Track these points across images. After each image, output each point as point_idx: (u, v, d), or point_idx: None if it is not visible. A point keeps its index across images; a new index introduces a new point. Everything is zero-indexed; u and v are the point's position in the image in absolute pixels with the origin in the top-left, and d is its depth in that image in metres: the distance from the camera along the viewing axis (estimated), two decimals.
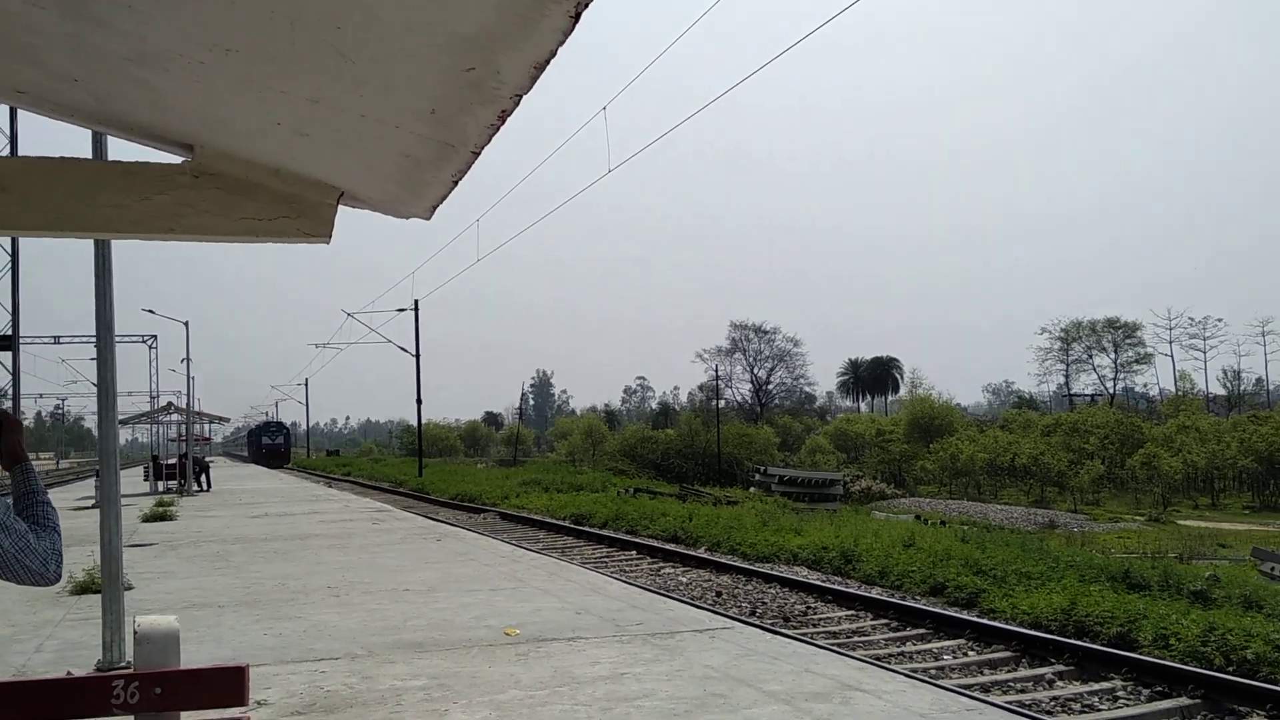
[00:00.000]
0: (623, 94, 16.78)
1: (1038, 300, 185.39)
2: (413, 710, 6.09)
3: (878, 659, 8.67)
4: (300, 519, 21.30)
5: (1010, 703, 7.01)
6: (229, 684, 2.82)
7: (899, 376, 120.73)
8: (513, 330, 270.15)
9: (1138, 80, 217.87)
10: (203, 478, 35.09)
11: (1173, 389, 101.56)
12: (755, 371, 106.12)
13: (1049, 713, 7.37)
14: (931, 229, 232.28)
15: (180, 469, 34.07)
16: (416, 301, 47.12)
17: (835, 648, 8.61)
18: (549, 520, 24.53)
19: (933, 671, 8.55)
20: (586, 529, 22.06)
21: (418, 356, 47.67)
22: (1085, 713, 7.59)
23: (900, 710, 5.96)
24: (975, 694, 6.61)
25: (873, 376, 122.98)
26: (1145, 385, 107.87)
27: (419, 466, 50.21)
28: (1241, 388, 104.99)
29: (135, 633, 2.85)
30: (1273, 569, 20.28)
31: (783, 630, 9.74)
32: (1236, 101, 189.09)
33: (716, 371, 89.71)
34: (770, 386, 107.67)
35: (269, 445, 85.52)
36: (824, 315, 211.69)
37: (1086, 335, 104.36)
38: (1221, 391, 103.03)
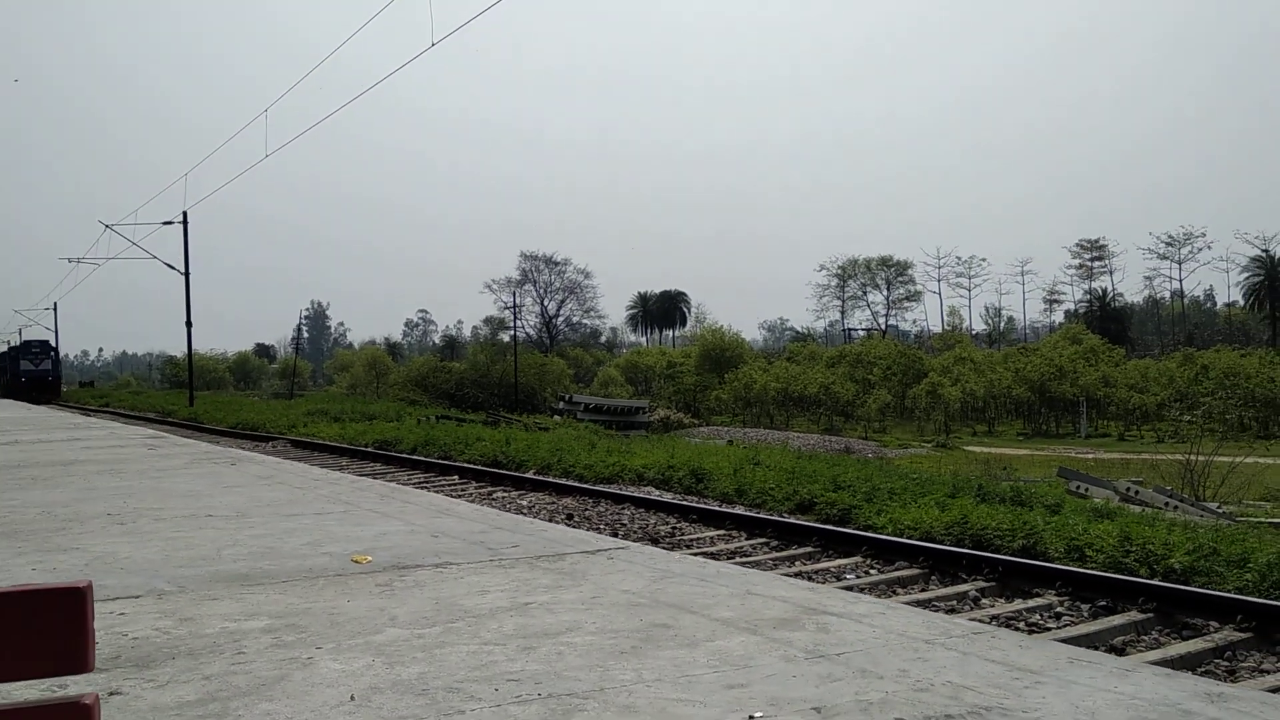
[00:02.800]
0: None
1: (814, 240, 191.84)
2: (263, 659, 4.44)
3: (805, 576, 7.58)
4: (60, 445, 18.45)
5: (987, 619, 6.02)
6: (52, 626, 1.24)
7: (686, 310, 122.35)
8: (287, 256, 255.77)
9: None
10: None
11: (939, 325, 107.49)
12: (545, 304, 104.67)
13: (1036, 628, 6.46)
14: (715, 157, 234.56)
15: None
16: (185, 213, 42.88)
17: (762, 566, 7.45)
18: (350, 447, 22.44)
19: (863, 590, 7.52)
20: (395, 454, 20.21)
21: (187, 275, 43.55)
22: (1040, 633, 6.73)
23: (895, 636, 4.80)
24: (965, 615, 5.56)
25: (661, 310, 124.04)
26: (914, 322, 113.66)
27: (190, 395, 46.21)
28: (1001, 325, 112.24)
29: None
30: (1079, 488, 20.80)
31: (686, 549, 8.51)
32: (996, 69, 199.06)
33: (515, 298, 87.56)
34: (559, 320, 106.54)
35: (30, 373, 64.99)
36: (613, 253, 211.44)
37: (861, 273, 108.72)
38: (984, 328, 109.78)
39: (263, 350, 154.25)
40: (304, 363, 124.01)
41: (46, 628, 1.27)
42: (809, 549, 9.73)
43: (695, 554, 7.98)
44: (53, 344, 68.67)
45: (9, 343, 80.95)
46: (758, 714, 3.68)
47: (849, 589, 7.21)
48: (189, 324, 44.38)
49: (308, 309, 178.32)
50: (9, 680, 1.29)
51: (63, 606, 1.28)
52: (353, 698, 3.90)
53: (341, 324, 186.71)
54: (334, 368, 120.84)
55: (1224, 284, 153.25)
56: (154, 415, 43.18)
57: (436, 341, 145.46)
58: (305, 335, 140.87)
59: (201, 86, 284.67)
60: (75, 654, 1.28)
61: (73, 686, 3.73)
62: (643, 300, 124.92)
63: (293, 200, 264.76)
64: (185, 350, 50.04)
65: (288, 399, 61.14)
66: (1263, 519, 15.40)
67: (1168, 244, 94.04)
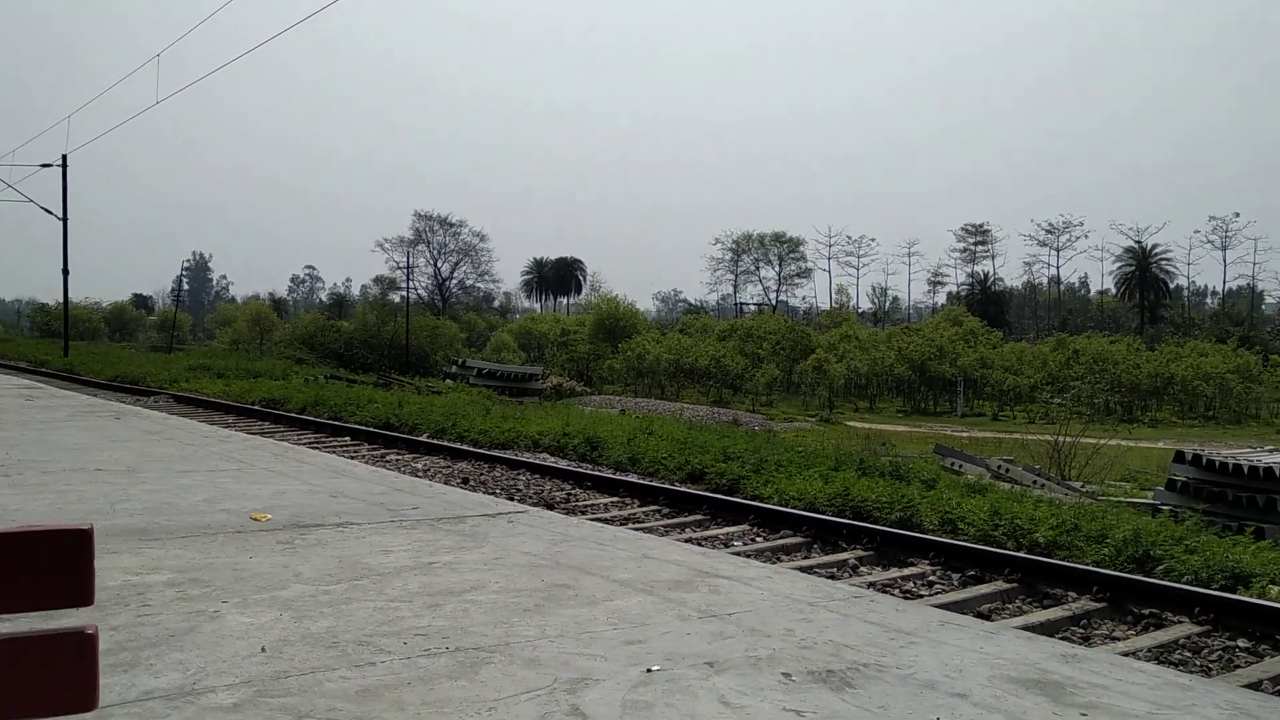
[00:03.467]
0: None
1: (711, 214, 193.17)
2: (170, 612, 4.51)
3: (696, 543, 7.86)
4: None
5: (866, 585, 6.39)
6: (60, 563, 1.38)
7: (582, 278, 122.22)
8: (167, 205, 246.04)
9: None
10: None
11: (827, 303, 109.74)
12: (438, 265, 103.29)
13: (910, 595, 6.86)
14: (620, 126, 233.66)
15: None
16: (65, 156, 41.14)
17: (655, 532, 7.71)
18: (236, 405, 22.02)
19: (750, 556, 7.85)
20: (284, 413, 19.93)
21: (65, 220, 41.81)
22: (914, 599, 7.15)
23: (782, 599, 5.10)
24: (845, 581, 5.91)
25: (557, 277, 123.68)
26: (804, 298, 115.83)
27: (65, 345, 44.48)
28: (886, 304, 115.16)
29: None
30: (953, 464, 21.70)
31: (581, 515, 8.72)
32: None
33: (409, 258, 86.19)
34: (453, 282, 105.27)
35: None
36: (508, 219, 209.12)
37: (755, 248, 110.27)
38: (870, 307, 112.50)
39: (140, 301, 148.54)
40: (184, 316, 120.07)
41: (56, 564, 1.39)
42: (699, 516, 10.05)
43: (592, 519, 8.21)
44: None
45: None
46: (655, 667, 3.92)
47: (738, 555, 7.53)
48: (65, 271, 42.66)
49: (189, 260, 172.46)
50: (28, 610, 1.42)
51: (73, 544, 1.41)
52: (264, 649, 4.01)
53: (224, 277, 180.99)
54: (216, 322, 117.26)
55: (1098, 272, 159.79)
56: (25, 365, 41.43)
57: (324, 299, 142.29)
58: (186, 287, 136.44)
59: (92, 25, 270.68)
60: (82, 589, 1.41)
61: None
62: (538, 266, 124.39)
63: (178, 157, 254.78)
64: (57, 299, 48.18)
65: (167, 353, 59.25)
66: (1121, 498, 16.36)
67: (1048, 231, 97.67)
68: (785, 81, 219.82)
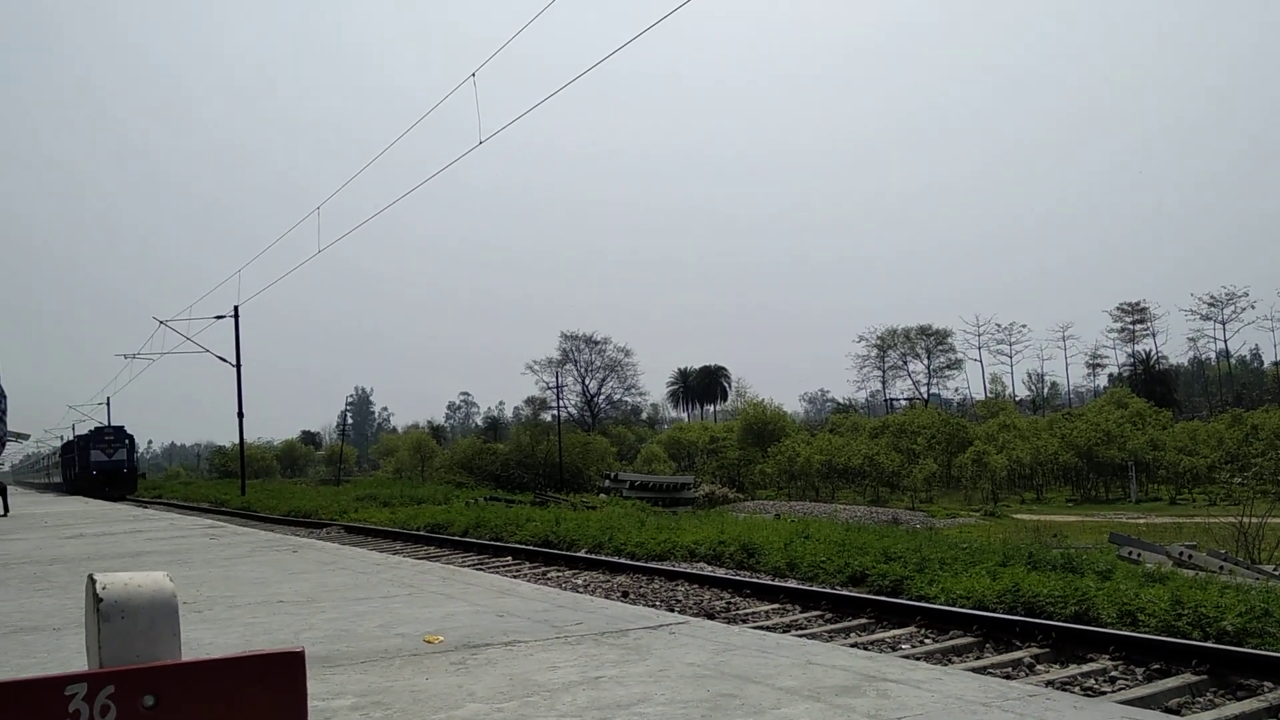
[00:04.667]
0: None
1: (853, 309, 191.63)
2: None
3: (861, 647, 7.75)
4: (123, 538, 18.94)
5: (1043, 683, 6.18)
6: (274, 682, 1.56)
7: (727, 385, 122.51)
8: (331, 347, 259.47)
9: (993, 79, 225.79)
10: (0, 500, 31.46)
11: (981, 393, 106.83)
12: (586, 382, 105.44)
13: (1092, 692, 6.60)
14: (749, 228, 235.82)
15: None
16: (236, 308, 44.12)
17: (819, 638, 7.65)
18: (403, 531, 22.80)
19: (919, 658, 7.68)
20: (448, 537, 20.52)
21: (239, 366, 44.65)
22: (1095, 696, 6.85)
23: (954, 700, 5.00)
24: (1020, 680, 5.74)
25: (702, 385, 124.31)
26: (956, 390, 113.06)
27: (242, 484, 46.98)
28: (1044, 390, 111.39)
29: (99, 600, 1.55)
30: (1131, 553, 20.66)
31: (743, 624, 8.72)
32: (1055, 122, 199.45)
33: (557, 379, 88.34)
34: (600, 398, 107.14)
35: (103, 464, 55.78)
36: (655, 329, 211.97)
37: (901, 342, 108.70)
38: (1027, 394, 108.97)
39: (309, 438, 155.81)
40: (350, 448, 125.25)
41: (272, 683, 1.58)
42: (863, 620, 9.88)
43: (754, 628, 8.19)
44: (127, 431, 59.26)
45: (72, 430, 74.70)
46: None
47: (906, 658, 7.38)
48: (240, 414, 45.38)
49: (352, 395, 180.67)
50: None
51: (284, 665, 1.60)
52: None
53: (385, 409, 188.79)
54: (379, 452, 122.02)
55: (1270, 343, 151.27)
56: (207, 505, 43.89)
57: (479, 423, 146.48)
58: (350, 421, 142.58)
59: (251, 189, 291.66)
60: (296, 706, 1.59)
61: None
62: (683, 376, 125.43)
63: (336, 293, 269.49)
64: (233, 440, 51.23)
65: (335, 485, 61.79)
66: None
67: (1210, 305, 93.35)
68: (916, 163, 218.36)
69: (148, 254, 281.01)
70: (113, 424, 60.49)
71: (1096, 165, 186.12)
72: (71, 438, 70.09)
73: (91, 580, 1.56)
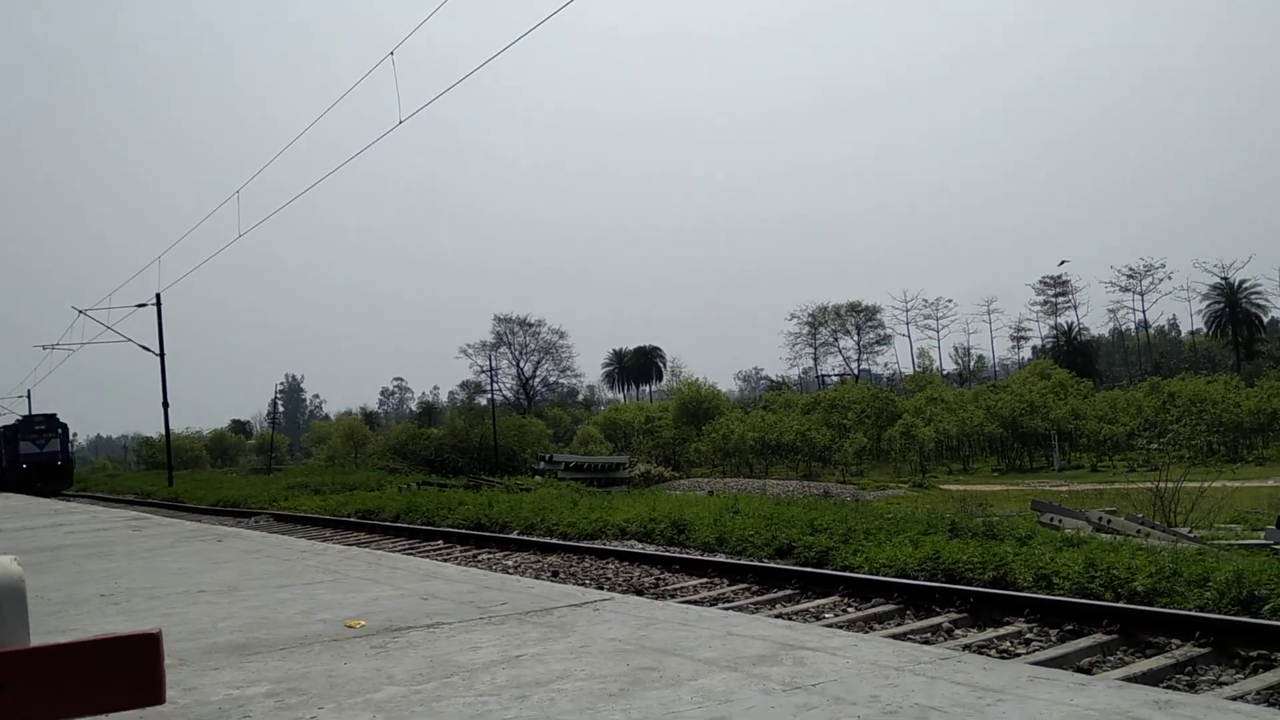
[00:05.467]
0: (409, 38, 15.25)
1: (781, 287, 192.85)
2: None
3: (785, 617, 7.84)
4: (43, 532, 18.48)
5: (958, 647, 6.31)
6: (130, 667, 1.53)
7: (661, 365, 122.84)
8: (259, 336, 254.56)
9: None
10: None
11: (909, 367, 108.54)
12: (521, 365, 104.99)
13: (1007, 654, 6.76)
14: (683, 191, 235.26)
15: None
16: (159, 295, 43.15)
17: (744, 610, 7.72)
18: (333, 518, 22.55)
19: (841, 627, 7.80)
20: (378, 523, 20.35)
21: (162, 355, 43.67)
22: (1009, 658, 7.02)
23: (867, 666, 5.09)
24: (940, 644, 5.86)
25: (637, 366, 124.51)
26: (886, 365, 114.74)
27: (169, 475, 46.06)
28: (970, 364, 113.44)
29: None
30: (1052, 519, 21.17)
31: (670, 598, 8.77)
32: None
33: (491, 361, 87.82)
34: (536, 380, 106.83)
35: (34, 456, 51.89)
36: (584, 306, 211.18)
37: (832, 319, 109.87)
38: (954, 368, 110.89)
39: (239, 426, 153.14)
40: (281, 437, 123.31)
41: (127, 667, 1.55)
42: (789, 591, 10.00)
43: (680, 602, 8.25)
44: (60, 419, 54.62)
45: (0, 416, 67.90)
46: None
47: (827, 626, 7.49)
48: (165, 404, 44.42)
49: (282, 383, 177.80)
50: (104, 713, 1.58)
51: (140, 648, 1.57)
52: None
53: (317, 396, 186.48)
54: (311, 440, 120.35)
55: (1186, 313, 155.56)
56: (133, 497, 42.97)
57: (414, 409, 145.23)
58: (281, 409, 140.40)
59: (175, 169, 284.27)
60: (153, 689, 1.57)
61: None
62: (618, 357, 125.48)
63: (263, 281, 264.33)
64: (161, 431, 49.82)
65: (266, 474, 60.87)
66: (1233, 540, 15.78)
67: (1129, 276, 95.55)
68: (860, 127, 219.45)
69: (66, 231, 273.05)
70: (45, 413, 55.52)
71: (1036, 141, 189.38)
72: None
73: None
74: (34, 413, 55.65)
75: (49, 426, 53.33)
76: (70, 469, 55.50)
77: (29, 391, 74.23)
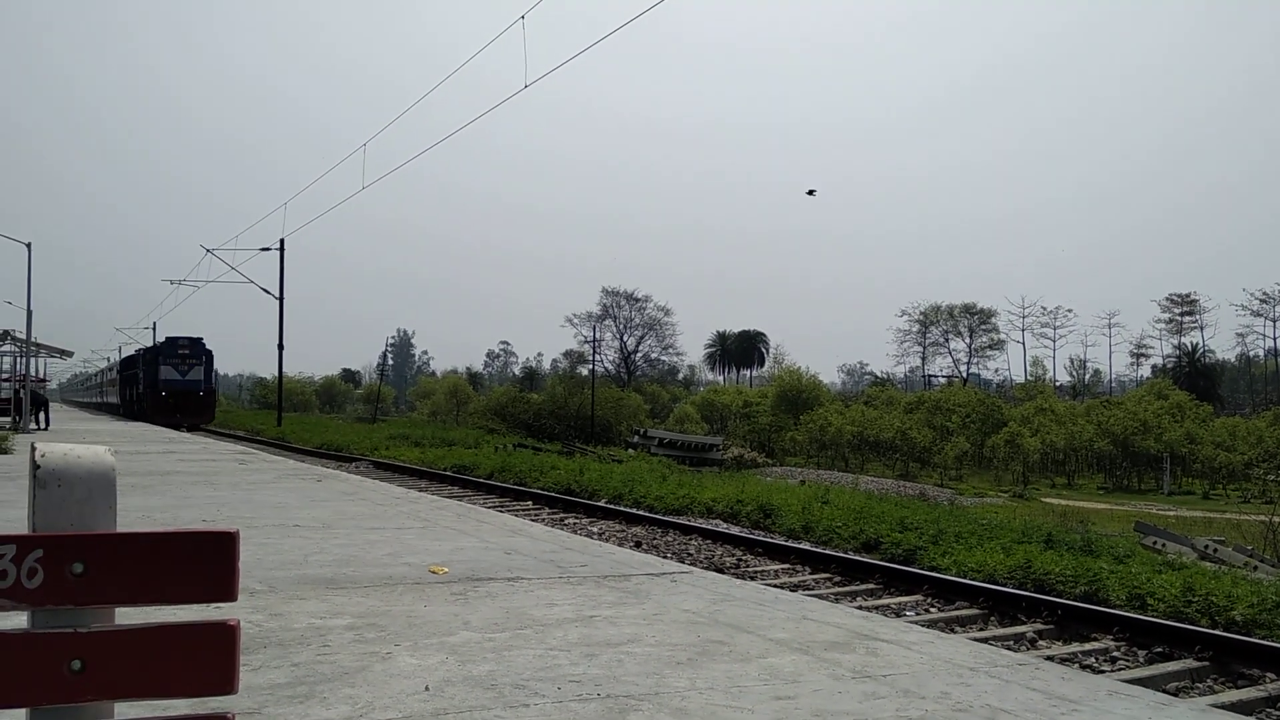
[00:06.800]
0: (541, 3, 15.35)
1: (896, 282, 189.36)
2: (346, 652, 4.82)
3: (861, 610, 7.75)
4: (156, 457, 19.33)
5: (1046, 658, 6.15)
6: (205, 562, 1.59)
7: (765, 351, 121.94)
8: (375, 290, 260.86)
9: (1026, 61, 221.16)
10: (40, 415, 32.19)
11: (1021, 375, 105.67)
12: (624, 339, 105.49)
13: (1090, 669, 6.57)
14: (800, 200, 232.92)
15: (15, 404, 31.16)
16: (282, 240, 44.45)
17: (818, 598, 7.66)
18: (429, 470, 23.06)
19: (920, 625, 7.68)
20: (472, 479, 20.73)
21: (281, 299, 45.06)
22: (1092, 673, 6.82)
23: (941, 663, 5.00)
24: (1021, 653, 5.72)
25: (739, 350, 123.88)
26: (997, 370, 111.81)
27: (279, 416, 47.57)
28: (1085, 377, 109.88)
29: (36, 467, 1.57)
30: (1155, 543, 20.43)
31: (750, 580, 8.75)
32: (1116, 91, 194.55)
33: (595, 333, 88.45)
34: (638, 355, 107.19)
35: (175, 384, 45.77)
36: (693, 286, 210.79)
37: (944, 319, 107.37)
38: (1067, 380, 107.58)
39: (349, 376, 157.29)
40: (388, 388, 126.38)
41: (203, 562, 1.62)
42: (871, 585, 9.88)
43: (757, 584, 8.21)
44: (205, 345, 48.12)
45: (119, 352, 63.12)
46: None
47: (906, 622, 7.38)
48: (280, 347, 45.84)
49: (393, 337, 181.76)
50: (177, 602, 1.65)
51: (218, 544, 1.63)
52: (427, 688, 4.25)
53: (425, 353, 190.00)
54: (416, 395, 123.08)
55: None
56: (243, 433, 44.53)
57: (517, 373, 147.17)
58: (390, 362, 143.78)
59: (293, 139, 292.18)
60: (225, 584, 1.63)
61: None
62: (721, 339, 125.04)
63: (381, 240, 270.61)
64: (275, 372, 50.90)
65: (371, 423, 62.53)
66: None
67: (1261, 301, 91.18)
68: (970, 135, 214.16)
69: (192, 197, 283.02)
70: (190, 335, 48.43)
71: (1148, 139, 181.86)
72: (135, 351, 59.04)
73: (33, 448, 1.59)
74: (176, 335, 48.82)
75: (194, 351, 47.13)
76: (213, 401, 50.31)
77: (154, 324, 77.38)
